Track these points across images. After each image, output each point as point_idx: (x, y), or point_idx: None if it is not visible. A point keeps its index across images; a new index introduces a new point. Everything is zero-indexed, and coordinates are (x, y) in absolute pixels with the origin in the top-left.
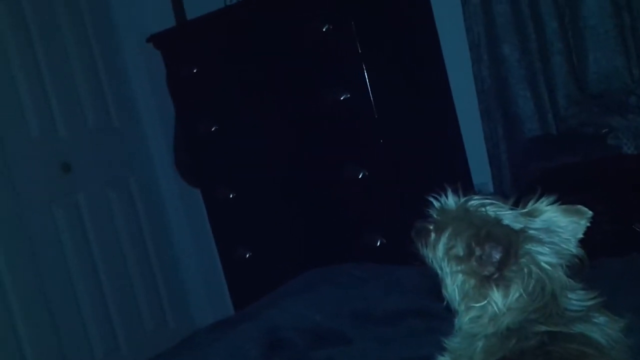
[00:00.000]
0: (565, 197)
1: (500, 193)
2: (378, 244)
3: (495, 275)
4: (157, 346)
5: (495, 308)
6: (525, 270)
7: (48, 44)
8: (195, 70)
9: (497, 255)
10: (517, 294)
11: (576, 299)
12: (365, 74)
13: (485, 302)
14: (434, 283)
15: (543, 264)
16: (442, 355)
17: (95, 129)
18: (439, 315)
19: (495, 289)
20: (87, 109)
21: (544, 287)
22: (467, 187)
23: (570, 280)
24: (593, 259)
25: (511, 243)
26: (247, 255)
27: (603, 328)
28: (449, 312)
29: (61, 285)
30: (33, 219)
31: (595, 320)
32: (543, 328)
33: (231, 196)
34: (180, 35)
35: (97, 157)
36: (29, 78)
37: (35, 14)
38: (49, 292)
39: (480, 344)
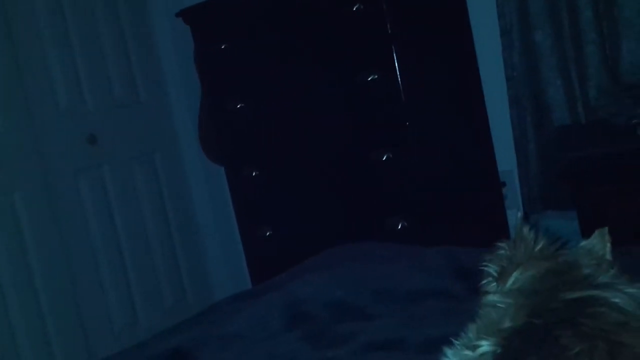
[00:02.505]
0: (593, 187)
1: (526, 181)
2: (400, 227)
3: None
4: (175, 321)
5: None
6: None
7: (78, 16)
8: (223, 47)
9: None
10: None
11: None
12: (394, 55)
13: None
14: (457, 265)
15: None
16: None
17: (122, 102)
18: (462, 297)
19: None
20: (114, 82)
21: None
22: (491, 174)
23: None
24: (624, 248)
25: None
26: (268, 234)
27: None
28: (472, 294)
29: (84, 256)
30: (59, 189)
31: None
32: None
33: (254, 174)
34: (210, 11)
35: (123, 130)
36: (59, 50)
37: None
38: (71, 262)
39: None
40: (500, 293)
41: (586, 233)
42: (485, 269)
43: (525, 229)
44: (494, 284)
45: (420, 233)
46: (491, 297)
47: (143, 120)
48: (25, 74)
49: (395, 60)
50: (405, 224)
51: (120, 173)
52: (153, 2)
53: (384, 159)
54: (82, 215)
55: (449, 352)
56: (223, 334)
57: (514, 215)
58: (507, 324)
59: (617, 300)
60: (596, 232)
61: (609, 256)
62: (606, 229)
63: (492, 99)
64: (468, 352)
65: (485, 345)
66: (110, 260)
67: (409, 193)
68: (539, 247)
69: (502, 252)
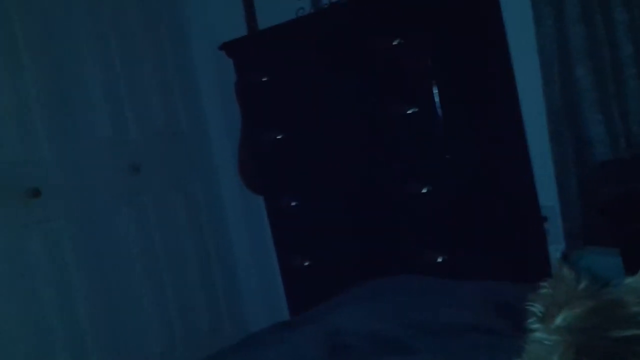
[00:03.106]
0: (636, 223)
1: (568, 216)
2: (439, 260)
3: None
4: (211, 348)
5: None
6: None
7: (124, 49)
8: (264, 79)
9: None
10: None
11: None
12: (435, 89)
13: None
14: (498, 300)
15: None
16: None
17: (163, 132)
18: (503, 333)
19: None
20: (157, 112)
21: None
22: (533, 209)
23: None
24: None
25: None
26: (306, 264)
27: None
28: (513, 330)
29: (124, 282)
30: (101, 216)
31: None
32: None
33: (293, 204)
34: (252, 44)
35: (164, 159)
36: (105, 81)
37: (113, 18)
38: (112, 288)
39: None
40: (547, 331)
41: (630, 270)
42: (530, 308)
43: (565, 269)
44: (538, 323)
45: (459, 267)
46: (538, 334)
47: (184, 150)
48: (70, 105)
49: (436, 94)
50: (445, 257)
51: (161, 201)
52: (195, 35)
53: (424, 191)
54: (123, 243)
55: None
56: None
57: (556, 250)
58: None
59: None
60: None
61: None
62: None
63: (533, 133)
64: None
65: None
66: (149, 286)
67: (449, 226)
68: (581, 286)
69: (545, 290)
